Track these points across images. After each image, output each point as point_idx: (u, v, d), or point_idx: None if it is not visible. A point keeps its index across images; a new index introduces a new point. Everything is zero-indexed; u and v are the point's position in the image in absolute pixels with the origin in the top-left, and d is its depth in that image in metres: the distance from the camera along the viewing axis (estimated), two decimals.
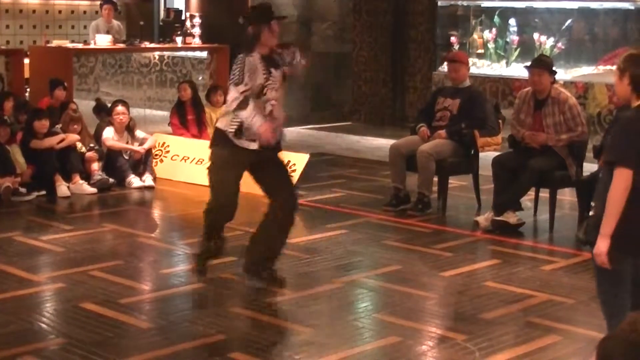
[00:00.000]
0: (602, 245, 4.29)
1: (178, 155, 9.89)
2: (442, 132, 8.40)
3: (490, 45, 12.57)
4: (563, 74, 11.20)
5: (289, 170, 6.58)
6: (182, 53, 13.79)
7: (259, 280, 6.15)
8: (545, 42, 11.93)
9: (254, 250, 6.24)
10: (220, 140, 6.09)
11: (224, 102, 10.87)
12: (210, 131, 10.58)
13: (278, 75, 6.12)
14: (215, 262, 6.75)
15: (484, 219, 7.82)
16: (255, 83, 5.97)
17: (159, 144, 9.95)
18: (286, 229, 6.20)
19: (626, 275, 4.42)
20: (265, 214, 6.26)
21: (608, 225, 4.27)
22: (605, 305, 4.54)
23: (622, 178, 4.22)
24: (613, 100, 10.96)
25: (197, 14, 13.13)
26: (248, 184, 9.21)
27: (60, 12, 16.02)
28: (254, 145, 6.02)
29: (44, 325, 5.44)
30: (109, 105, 10.05)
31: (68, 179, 8.97)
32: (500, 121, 8.71)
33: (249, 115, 5.92)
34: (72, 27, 16.13)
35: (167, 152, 9.96)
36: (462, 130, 8.34)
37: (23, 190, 8.68)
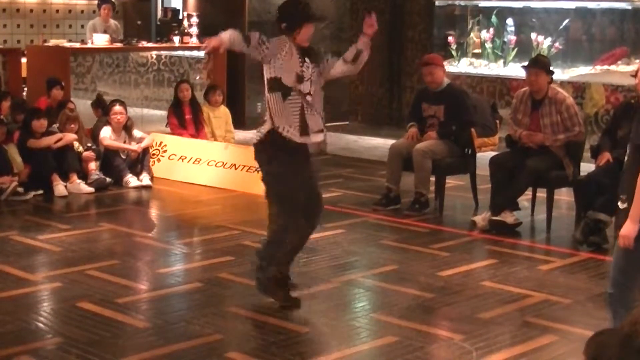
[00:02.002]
0: (630, 229, 4.28)
1: (175, 155, 9.89)
2: (433, 133, 8.40)
3: (488, 45, 12.58)
4: (560, 73, 11.20)
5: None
6: (180, 52, 13.78)
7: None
8: (543, 42, 11.93)
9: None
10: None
11: (223, 101, 10.95)
12: (207, 130, 10.59)
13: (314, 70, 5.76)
14: (212, 261, 6.78)
15: (481, 218, 7.82)
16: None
17: (156, 143, 9.95)
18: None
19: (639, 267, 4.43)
20: None
21: (637, 208, 4.24)
22: (611, 297, 4.55)
23: None
24: (610, 100, 10.97)
25: (194, 14, 13.11)
26: (246, 184, 9.25)
27: (57, 11, 16.01)
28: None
29: (40, 325, 5.44)
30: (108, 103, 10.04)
31: (65, 178, 8.97)
32: (497, 121, 8.72)
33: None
34: (70, 26, 16.11)
35: (165, 151, 9.96)
36: (452, 131, 8.35)
37: (20, 189, 8.68)
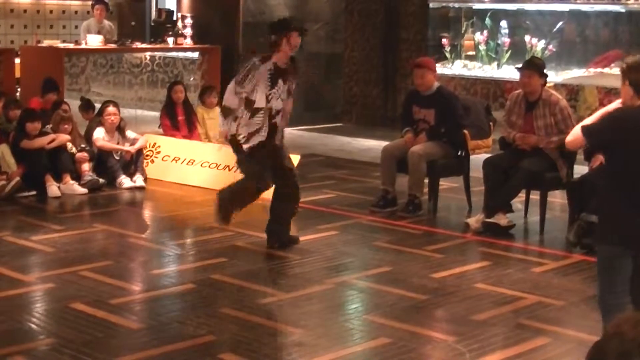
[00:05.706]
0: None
1: (169, 156, 9.88)
2: (422, 136, 8.41)
3: (482, 47, 12.59)
4: (554, 76, 11.22)
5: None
6: (174, 53, 13.77)
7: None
8: (537, 44, 11.95)
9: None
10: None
11: (218, 103, 10.91)
12: (201, 131, 10.58)
13: (284, 87, 6.88)
14: (205, 263, 6.77)
15: (475, 220, 7.82)
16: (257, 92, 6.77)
17: (149, 144, 9.94)
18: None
19: (624, 272, 4.44)
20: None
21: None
22: (601, 303, 4.56)
23: (576, 138, 4.54)
24: (604, 102, 10.98)
25: (188, 15, 13.12)
26: None
27: (51, 12, 15.97)
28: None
29: (34, 326, 5.43)
30: (99, 105, 10.01)
31: (59, 179, 8.95)
32: (491, 123, 8.73)
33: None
34: (64, 27, 16.08)
35: (158, 152, 9.95)
36: (441, 133, 8.36)
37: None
